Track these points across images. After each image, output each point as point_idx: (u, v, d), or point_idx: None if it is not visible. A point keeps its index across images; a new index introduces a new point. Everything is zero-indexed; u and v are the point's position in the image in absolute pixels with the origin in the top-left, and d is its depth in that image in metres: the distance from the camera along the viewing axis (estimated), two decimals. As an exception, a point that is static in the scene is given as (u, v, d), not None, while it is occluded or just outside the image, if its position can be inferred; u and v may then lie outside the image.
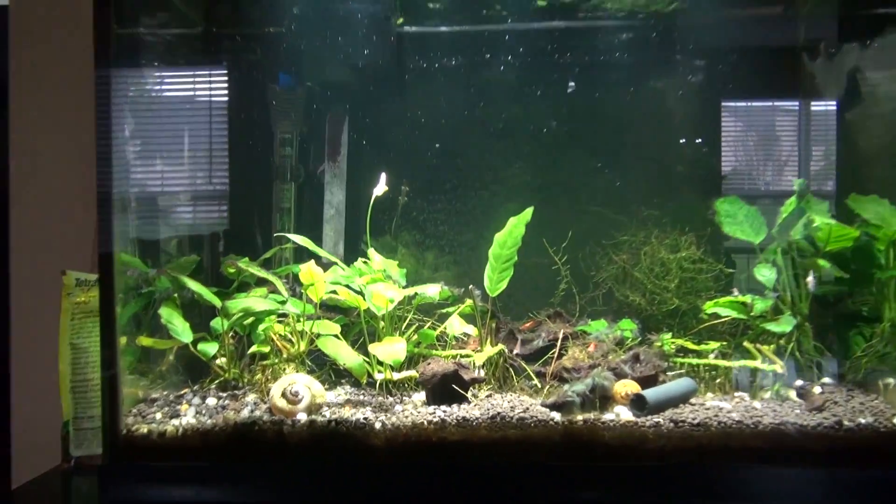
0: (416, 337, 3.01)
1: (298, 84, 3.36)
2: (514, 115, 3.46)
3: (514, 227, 2.99)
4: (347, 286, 2.84)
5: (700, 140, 3.35)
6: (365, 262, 3.01)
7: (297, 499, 2.42)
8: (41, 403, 3.10)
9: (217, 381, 2.89)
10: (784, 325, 2.66)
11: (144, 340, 2.78)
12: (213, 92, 3.40)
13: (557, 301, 3.21)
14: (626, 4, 3.30)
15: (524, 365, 2.89)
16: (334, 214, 3.34)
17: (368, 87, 3.39)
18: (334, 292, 2.80)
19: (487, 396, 2.72)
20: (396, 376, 2.80)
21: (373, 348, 2.63)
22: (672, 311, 3.01)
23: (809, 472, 2.35)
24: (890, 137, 3.13)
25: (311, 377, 2.62)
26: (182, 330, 2.75)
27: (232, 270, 2.92)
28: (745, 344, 2.72)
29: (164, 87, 3.33)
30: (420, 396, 2.79)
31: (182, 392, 2.85)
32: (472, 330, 3.00)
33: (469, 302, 3.08)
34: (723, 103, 3.45)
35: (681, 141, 3.34)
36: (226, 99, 3.41)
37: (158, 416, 2.60)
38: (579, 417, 2.46)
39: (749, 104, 3.53)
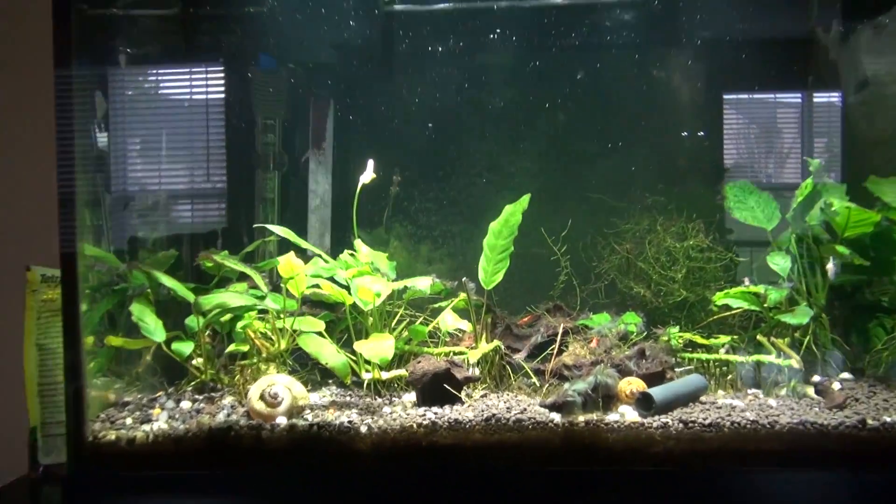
0: (406, 333, 2.82)
1: (281, 66, 3.17)
2: (511, 98, 3.27)
3: (510, 216, 2.81)
4: (332, 280, 2.66)
5: (705, 123, 3.16)
6: (351, 255, 2.82)
7: (276, 509, 2.25)
8: (6, 409, 2.92)
9: (194, 383, 2.71)
10: (801, 316, 2.47)
11: (113, 340, 2.60)
12: (191, 78, 3.21)
13: (557, 294, 3.03)
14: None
15: (522, 362, 2.70)
16: (319, 204, 3.16)
17: (355, 69, 3.20)
18: (318, 286, 2.61)
19: (482, 397, 2.54)
20: (385, 376, 2.62)
21: (359, 346, 2.45)
22: (679, 303, 2.82)
23: (832, 475, 2.17)
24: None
25: (291, 378, 2.44)
26: (154, 328, 2.57)
27: (209, 265, 2.73)
28: (759, 337, 2.53)
29: (135, 73, 3.14)
30: (409, 397, 2.62)
31: (156, 395, 2.67)
32: (467, 325, 2.82)
33: (463, 296, 2.90)
34: (728, 89, 3.26)
35: (686, 125, 3.14)
36: (205, 85, 3.23)
37: (129, 421, 2.43)
38: (581, 418, 2.28)
39: (755, 88, 3.33)
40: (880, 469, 2.15)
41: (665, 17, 3.25)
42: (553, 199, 3.16)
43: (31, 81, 3.05)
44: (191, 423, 2.34)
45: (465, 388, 2.54)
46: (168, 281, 2.59)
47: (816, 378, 2.56)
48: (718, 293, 2.64)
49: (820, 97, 3.27)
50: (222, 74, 3.18)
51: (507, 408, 2.36)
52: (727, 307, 2.64)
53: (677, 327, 2.68)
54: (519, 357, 2.70)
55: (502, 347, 2.73)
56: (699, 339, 2.67)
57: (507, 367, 2.73)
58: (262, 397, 2.35)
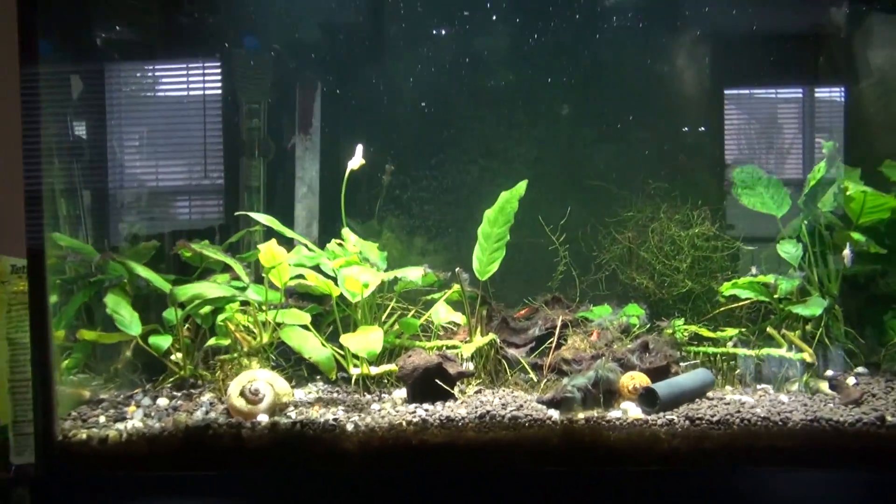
0: (397, 327, 2.69)
1: (265, 47, 3.02)
2: (508, 81, 3.13)
3: (506, 203, 2.67)
4: (318, 270, 2.52)
5: (710, 107, 3.01)
6: (339, 244, 2.68)
7: (256, 513, 2.12)
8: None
9: (173, 380, 2.57)
10: (814, 307, 2.33)
11: (87, 334, 2.46)
12: (170, 61, 3.07)
13: (556, 285, 2.89)
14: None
15: (519, 356, 2.56)
16: (307, 193, 3.01)
17: (344, 49, 3.05)
18: (303, 277, 2.47)
19: (476, 392, 2.41)
20: (374, 371, 2.49)
21: (345, 339, 2.32)
22: (684, 294, 2.68)
23: (848, 475, 2.04)
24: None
25: (274, 373, 2.30)
26: (130, 321, 2.44)
27: (187, 254, 2.60)
28: (769, 330, 2.39)
29: (110, 58, 2.99)
30: (400, 393, 2.49)
31: (133, 392, 2.53)
32: (460, 318, 2.68)
33: (456, 287, 2.76)
34: (733, 72, 3.12)
35: (690, 108, 3.00)
36: (184, 68, 3.08)
37: (102, 419, 2.30)
38: (580, 415, 2.15)
39: (760, 73, 3.19)
40: (900, 469, 2.02)
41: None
42: (551, 187, 3.03)
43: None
44: (167, 421, 2.21)
45: (458, 383, 2.41)
46: (143, 271, 2.46)
47: (830, 372, 2.42)
48: (725, 283, 2.50)
49: (822, 90, 3.12)
50: (204, 57, 3.03)
51: (503, 404, 2.23)
52: (735, 298, 2.50)
53: (682, 319, 2.55)
54: (515, 350, 2.57)
55: (498, 341, 2.60)
56: (705, 332, 2.54)
57: (503, 361, 2.60)
58: (242, 394, 2.21)
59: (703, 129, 3.01)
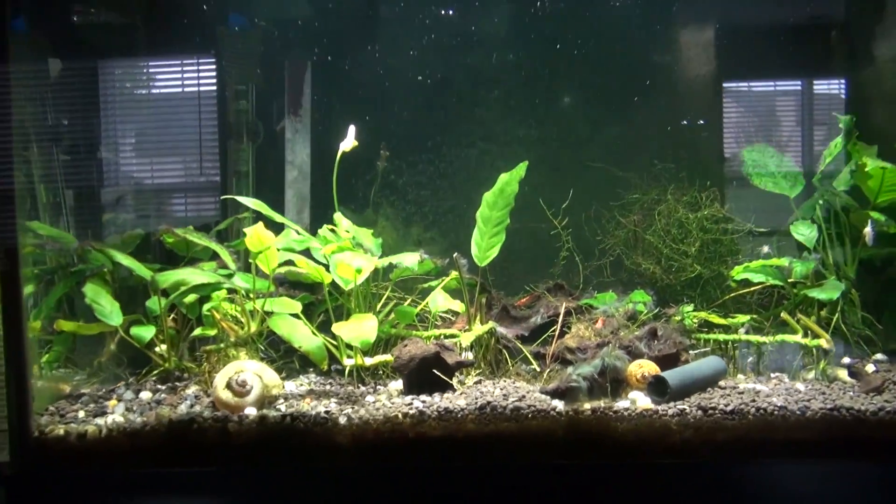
0: (392, 316, 2.57)
1: (253, 25, 2.88)
2: (507, 60, 3.00)
3: (506, 185, 2.56)
4: (310, 257, 2.39)
5: (717, 85, 2.88)
6: (331, 230, 2.56)
7: (244, 511, 2.01)
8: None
9: (157, 373, 2.45)
10: (831, 290, 2.22)
11: (65, 325, 2.34)
12: (154, 41, 2.92)
13: (558, 272, 2.77)
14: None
15: (520, 345, 2.44)
16: (297, 177, 2.89)
17: (335, 27, 2.91)
18: (293, 263, 2.35)
19: (476, 383, 2.29)
20: (368, 361, 2.37)
21: (337, 328, 2.20)
22: (692, 279, 2.56)
23: (870, 467, 1.93)
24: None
25: (262, 364, 2.18)
26: (111, 311, 2.32)
27: (171, 240, 2.47)
28: (784, 315, 2.27)
29: (90, 36, 2.85)
30: (396, 385, 2.37)
31: (114, 386, 2.41)
32: (459, 306, 2.56)
33: (455, 274, 2.64)
34: (739, 52, 2.99)
35: (697, 88, 2.87)
36: (169, 49, 2.94)
37: (81, 414, 2.18)
38: (587, 406, 2.03)
39: (765, 53, 3.06)
40: (926, 459, 1.91)
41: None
42: (552, 170, 2.91)
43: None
44: (149, 415, 2.09)
45: (456, 373, 2.29)
46: (124, 259, 2.33)
47: (847, 360, 2.31)
48: (737, 267, 2.38)
49: (831, 72, 2.99)
50: (189, 37, 2.89)
51: (504, 395, 2.11)
52: (747, 282, 2.38)
53: (691, 306, 2.43)
54: (514, 336, 2.44)
55: (498, 329, 2.47)
56: (715, 319, 2.42)
57: (504, 351, 2.48)
58: (228, 386, 2.09)
59: (711, 107, 2.88)
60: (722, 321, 2.41)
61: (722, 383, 2.23)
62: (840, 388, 2.15)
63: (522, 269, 2.88)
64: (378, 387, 2.38)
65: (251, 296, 2.27)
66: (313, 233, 2.59)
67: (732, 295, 2.48)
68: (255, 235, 2.12)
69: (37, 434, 2.07)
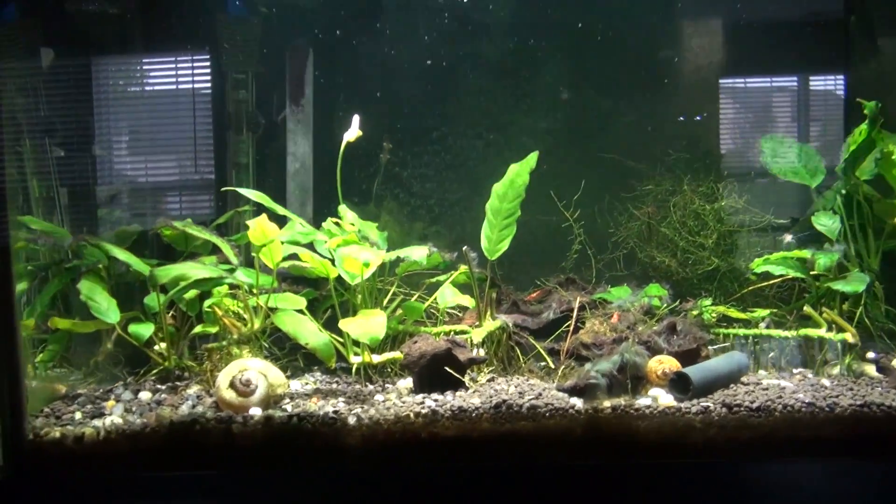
0: (400, 312, 2.48)
1: (252, 13, 2.78)
2: (515, 48, 2.91)
3: (517, 176, 2.47)
4: (313, 251, 2.30)
5: (731, 69, 2.79)
6: (336, 223, 2.47)
7: (249, 516, 1.92)
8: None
9: (156, 372, 2.36)
10: (856, 283, 2.14)
11: (60, 322, 2.25)
12: (150, 29, 2.82)
13: (570, 266, 2.69)
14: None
15: (533, 341, 2.36)
16: (299, 169, 2.79)
17: (338, 13, 2.82)
18: (297, 257, 2.26)
19: (489, 381, 2.21)
20: (376, 359, 2.28)
21: (344, 324, 2.11)
22: (709, 273, 2.48)
23: (902, 466, 1.85)
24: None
25: (267, 362, 2.10)
26: (107, 308, 2.23)
27: (168, 232, 2.37)
28: (807, 309, 2.20)
29: (83, 20, 2.74)
30: (406, 383, 2.29)
31: (112, 386, 2.32)
32: (468, 301, 2.47)
33: (463, 268, 2.55)
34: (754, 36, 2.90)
35: (711, 73, 2.78)
36: (165, 37, 2.84)
37: (77, 415, 2.09)
38: (606, 404, 1.96)
39: (778, 39, 2.98)
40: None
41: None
42: (562, 161, 2.82)
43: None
44: (149, 416, 2.01)
45: (468, 371, 2.20)
46: (121, 254, 2.24)
47: (871, 354, 2.24)
48: (757, 259, 2.30)
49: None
50: (186, 24, 2.79)
51: (520, 393, 2.03)
52: (767, 275, 2.30)
53: (710, 300, 2.35)
54: (530, 325, 2.36)
55: (510, 325, 2.39)
56: (734, 313, 2.34)
57: (516, 347, 2.40)
58: (232, 385, 2.01)
59: (726, 94, 2.79)
60: (741, 315, 2.33)
61: (744, 379, 2.15)
62: (868, 384, 2.08)
63: (530, 262, 2.79)
64: (386, 385, 2.30)
65: (254, 291, 2.18)
66: (316, 226, 2.50)
67: (751, 288, 2.40)
68: (259, 228, 2.04)
69: (31, 437, 1.98)
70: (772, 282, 2.37)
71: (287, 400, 2.10)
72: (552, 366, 2.29)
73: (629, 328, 2.28)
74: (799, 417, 1.90)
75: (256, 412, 1.98)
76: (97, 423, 2.01)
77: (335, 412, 1.97)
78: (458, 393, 2.10)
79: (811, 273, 2.27)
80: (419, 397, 2.07)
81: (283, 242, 2.16)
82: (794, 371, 2.25)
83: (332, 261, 2.30)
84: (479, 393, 2.07)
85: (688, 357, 2.15)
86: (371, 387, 2.29)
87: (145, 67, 2.96)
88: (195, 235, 2.26)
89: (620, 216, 2.71)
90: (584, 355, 2.26)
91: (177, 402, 2.10)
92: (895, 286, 2.40)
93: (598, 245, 2.70)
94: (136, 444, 1.96)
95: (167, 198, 3.08)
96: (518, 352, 2.41)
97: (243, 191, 2.32)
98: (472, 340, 2.28)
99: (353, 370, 2.31)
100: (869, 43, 2.60)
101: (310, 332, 2.06)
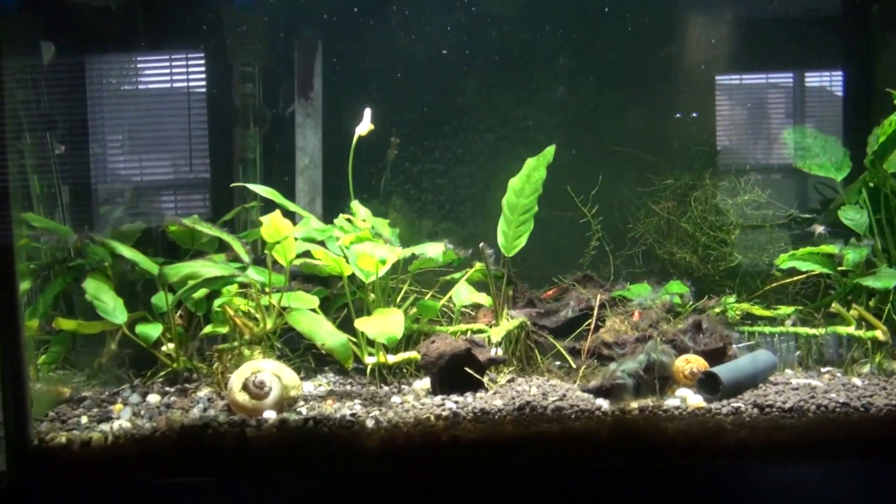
0: (413, 310, 2.41)
1: (259, 3, 2.71)
2: (527, 40, 2.84)
3: (533, 170, 2.41)
4: (323, 246, 2.23)
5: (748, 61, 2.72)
6: (348, 220, 2.40)
7: (265, 524, 1.85)
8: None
9: (164, 374, 2.28)
10: (886, 279, 2.09)
11: (65, 323, 2.17)
12: (154, 22, 2.74)
13: (587, 262, 2.62)
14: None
15: (553, 340, 2.30)
16: (309, 164, 2.72)
17: (347, 4, 2.74)
18: (309, 255, 2.19)
19: (509, 381, 2.14)
20: (392, 359, 2.21)
21: (360, 324, 2.04)
22: (730, 269, 2.42)
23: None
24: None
25: (280, 363, 2.03)
26: (114, 308, 2.15)
27: (174, 228, 2.30)
28: (835, 306, 2.14)
29: (86, 14, 2.66)
30: (422, 384, 2.22)
31: (119, 389, 2.24)
32: (484, 299, 2.41)
33: (479, 266, 2.49)
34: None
35: (726, 63, 2.71)
36: (170, 29, 2.75)
37: (84, 420, 2.01)
38: (633, 405, 1.89)
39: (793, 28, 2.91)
40: None
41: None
42: (576, 156, 2.75)
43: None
44: (159, 420, 1.94)
45: (487, 371, 2.13)
46: (128, 252, 2.17)
47: (900, 351, 2.18)
48: (782, 255, 2.24)
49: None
50: (192, 16, 2.71)
51: (543, 394, 1.97)
52: (791, 272, 2.24)
53: (734, 297, 2.29)
54: (548, 324, 2.30)
55: (528, 323, 2.33)
56: (758, 311, 2.28)
57: (534, 347, 2.33)
58: (245, 387, 1.93)
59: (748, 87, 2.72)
60: (766, 313, 2.27)
61: (772, 379, 2.09)
62: (900, 383, 2.02)
63: (544, 259, 2.73)
64: (402, 386, 2.24)
65: (267, 290, 2.10)
66: (326, 223, 2.43)
67: (775, 285, 2.35)
68: (273, 225, 1.96)
69: (36, 442, 1.91)
70: (796, 278, 2.31)
71: (301, 402, 2.03)
72: (574, 365, 2.23)
73: (652, 326, 2.22)
74: (833, 418, 1.84)
75: (271, 415, 1.91)
76: (105, 427, 1.94)
77: (352, 415, 1.90)
78: (477, 394, 2.03)
79: (838, 269, 2.21)
80: (438, 399, 2.00)
81: (297, 239, 2.08)
82: (822, 370, 2.19)
83: (346, 258, 2.24)
84: (500, 394, 2.01)
85: (714, 356, 2.09)
86: (386, 388, 2.22)
87: (147, 62, 2.88)
88: (204, 232, 2.19)
89: (637, 212, 2.65)
90: (605, 354, 2.20)
91: (187, 406, 2.03)
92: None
93: (615, 241, 2.64)
94: (145, 449, 1.89)
95: (169, 196, 3.00)
96: (536, 351, 2.34)
97: (253, 187, 2.24)
98: (490, 339, 2.22)
99: (368, 371, 2.24)
100: (892, 32, 2.54)
101: (326, 333, 1.99)
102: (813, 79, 2.75)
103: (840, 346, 2.20)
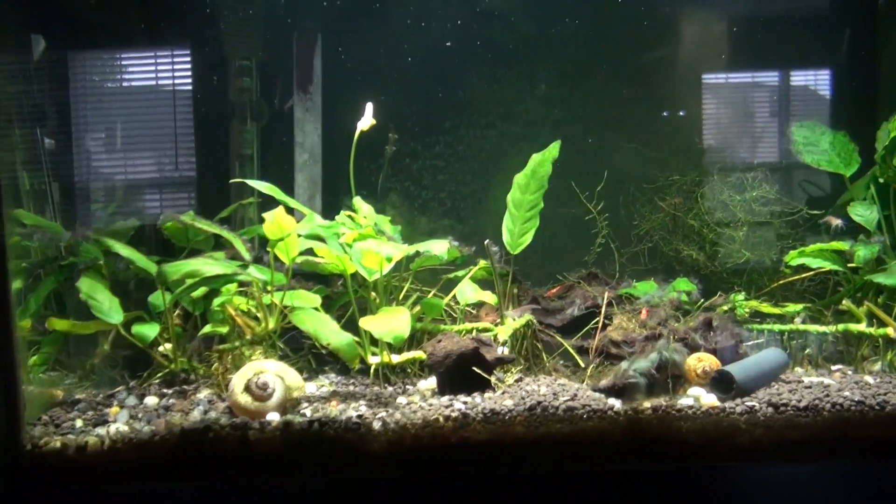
0: (417, 309, 2.36)
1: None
2: (528, 34, 2.79)
3: (539, 166, 2.38)
4: (325, 243, 2.17)
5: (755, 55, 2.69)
6: (349, 217, 2.34)
7: (269, 530, 1.79)
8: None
9: (161, 375, 2.22)
10: (896, 275, 2.06)
11: (58, 323, 2.10)
12: (147, 14, 2.66)
13: (591, 259, 2.58)
14: None
15: (560, 339, 2.26)
16: (308, 160, 2.66)
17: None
18: (311, 253, 2.13)
19: (517, 381, 2.09)
20: (396, 359, 2.16)
21: (366, 323, 1.99)
22: (737, 266, 2.39)
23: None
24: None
25: (283, 364, 1.97)
26: (109, 307, 2.08)
27: (170, 225, 2.23)
28: (846, 303, 2.11)
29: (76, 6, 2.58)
30: (427, 384, 2.17)
31: (114, 391, 2.17)
32: (489, 297, 2.36)
33: (483, 264, 2.45)
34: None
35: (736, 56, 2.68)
36: (164, 21, 2.68)
37: (79, 423, 1.94)
38: (646, 404, 1.85)
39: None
40: None
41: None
42: (579, 152, 2.71)
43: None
44: (158, 423, 1.87)
45: (495, 370, 2.09)
46: (124, 250, 2.10)
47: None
48: (791, 252, 2.22)
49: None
50: (186, 7, 2.64)
51: (553, 393, 1.92)
52: (802, 268, 2.22)
53: (743, 294, 2.26)
54: (554, 322, 2.26)
55: (535, 322, 2.28)
56: (767, 308, 2.25)
57: (540, 345, 2.29)
58: (247, 389, 1.88)
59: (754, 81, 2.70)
60: (775, 310, 2.25)
61: (783, 377, 2.06)
62: (914, 381, 2.00)
63: (546, 257, 2.69)
64: (407, 387, 2.19)
65: (269, 288, 2.05)
66: (326, 218, 2.37)
67: (783, 282, 2.32)
68: (276, 221, 1.90)
69: (29, 447, 1.84)
70: (804, 275, 2.29)
71: (305, 404, 1.97)
72: (582, 364, 2.19)
73: (660, 324, 2.18)
74: (848, 417, 1.82)
75: (274, 417, 1.86)
76: (101, 431, 1.87)
77: (359, 417, 1.84)
78: (486, 394, 1.98)
79: (850, 266, 2.19)
80: (445, 399, 1.95)
81: (302, 236, 2.03)
82: (833, 368, 2.17)
83: (349, 256, 2.18)
84: (509, 394, 1.96)
85: (725, 354, 2.05)
86: (391, 389, 2.17)
87: (141, 56, 2.80)
88: (201, 230, 2.12)
89: (642, 208, 2.61)
90: (614, 353, 2.16)
91: (187, 408, 1.97)
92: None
93: (620, 238, 2.60)
94: (143, 453, 1.83)
95: (164, 193, 2.93)
96: (541, 350, 2.30)
97: (254, 183, 2.18)
98: (497, 338, 2.17)
99: (372, 371, 2.18)
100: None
101: (331, 332, 1.93)
102: (818, 75, 2.73)
103: (848, 344, 2.17)
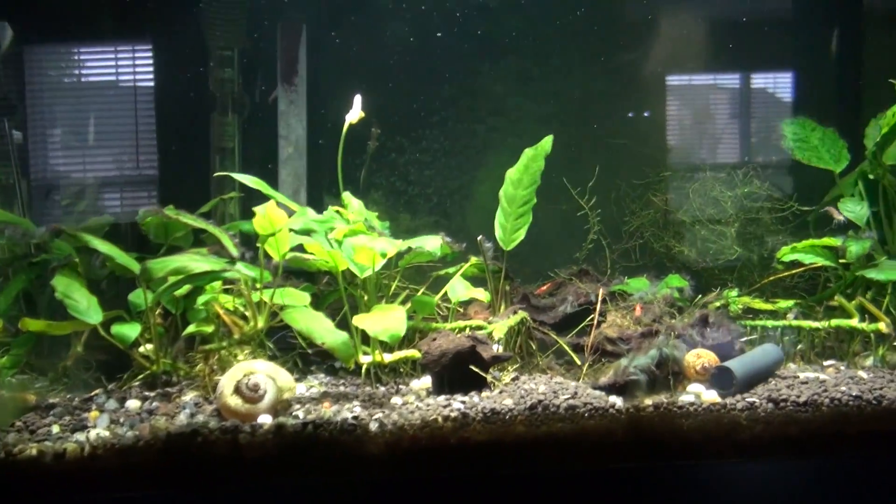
0: (408, 306, 2.31)
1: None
2: (517, 28, 2.76)
3: (531, 161, 2.35)
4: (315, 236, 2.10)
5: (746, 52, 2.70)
6: (338, 212, 2.27)
7: (262, 538, 1.72)
8: None
9: (141, 377, 2.12)
10: (889, 271, 2.09)
11: (31, 324, 1.99)
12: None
13: (582, 256, 2.56)
14: None
15: (556, 337, 2.23)
16: (292, 154, 2.58)
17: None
18: (300, 249, 2.06)
19: (514, 379, 2.05)
20: (388, 358, 2.10)
21: (359, 321, 1.93)
22: (729, 263, 2.39)
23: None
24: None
25: (274, 364, 1.90)
26: (87, 306, 1.98)
27: (150, 220, 2.13)
28: (838, 298, 2.13)
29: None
30: (420, 383, 2.12)
31: (91, 394, 2.07)
32: (481, 294, 2.32)
33: (474, 260, 2.40)
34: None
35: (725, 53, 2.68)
36: (142, 8, 2.57)
37: (55, 429, 1.83)
38: (647, 401, 1.83)
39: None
40: None
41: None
42: (569, 147, 2.68)
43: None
44: (141, 428, 1.78)
45: (491, 369, 2.05)
46: (102, 246, 1.99)
47: (900, 344, 2.18)
48: (784, 248, 2.22)
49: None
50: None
51: (554, 392, 1.88)
52: (795, 264, 2.22)
53: (736, 290, 2.26)
54: (547, 320, 2.23)
55: (529, 319, 2.25)
56: (759, 304, 2.26)
57: (533, 342, 2.25)
58: (237, 390, 1.80)
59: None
60: (767, 307, 2.25)
61: (779, 373, 2.06)
62: (907, 375, 2.02)
63: (535, 253, 2.66)
64: (400, 386, 2.13)
65: (258, 286, 1.97)
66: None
67: (773, 278, 2.33)
68: (267, 216, 1.83)
69: (3, 455, 1.73)
70: (794, 271, 2.30)
71: (297, 406, 1.90)
72: (579, 362, 2.16)
73: (655, 321, 2.17)
74: (846, 412, 1.82)
75: (266, 420, 1.78)
76: (80, 436, 1.78)
77: (354, 418, 1.78)
78: (483, 394, 1.94)
79: (842, 261, 2.20)
80: (443, 399, 1.90)
81: (293, 231, 1.95)
82: (825, 363, 2.18)
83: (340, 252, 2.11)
84: (507, 393, 1.92)
85: (722, 350, 2.05)
86: (383, 388, 2.11)
87: (115, 46, 2.69)
88: (185, 224, 2.03)
89: (633, 204, 2.60)
90: (609, 350, 2.14)
91: (172, 411, 1.88)
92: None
93: (610, 234, 2.58)
94: (127, 460, 1.74)
95: (135, 190, 2.82)
96: (535, 348, 2.27)
97: (240, 176, 2.10)
98: (492, 336, 2.13)
99: (363, 371, 2.12)
100: (884, 27, 2.55)
101: (325, 331, 1.87)
102: (804, 73, 2.75)
103: (839, 340, 2.19)
